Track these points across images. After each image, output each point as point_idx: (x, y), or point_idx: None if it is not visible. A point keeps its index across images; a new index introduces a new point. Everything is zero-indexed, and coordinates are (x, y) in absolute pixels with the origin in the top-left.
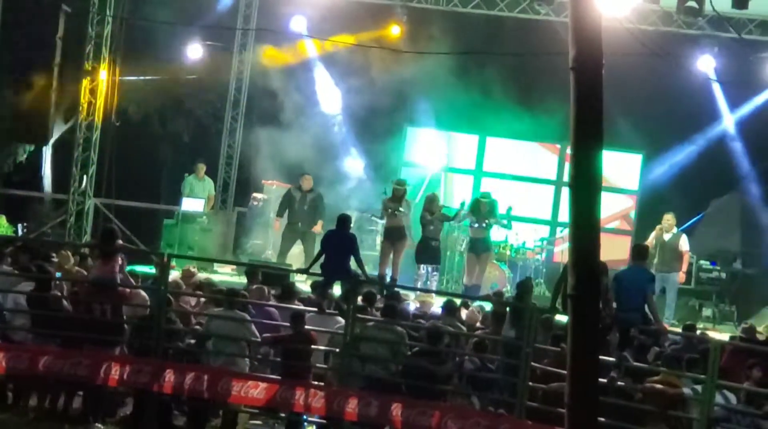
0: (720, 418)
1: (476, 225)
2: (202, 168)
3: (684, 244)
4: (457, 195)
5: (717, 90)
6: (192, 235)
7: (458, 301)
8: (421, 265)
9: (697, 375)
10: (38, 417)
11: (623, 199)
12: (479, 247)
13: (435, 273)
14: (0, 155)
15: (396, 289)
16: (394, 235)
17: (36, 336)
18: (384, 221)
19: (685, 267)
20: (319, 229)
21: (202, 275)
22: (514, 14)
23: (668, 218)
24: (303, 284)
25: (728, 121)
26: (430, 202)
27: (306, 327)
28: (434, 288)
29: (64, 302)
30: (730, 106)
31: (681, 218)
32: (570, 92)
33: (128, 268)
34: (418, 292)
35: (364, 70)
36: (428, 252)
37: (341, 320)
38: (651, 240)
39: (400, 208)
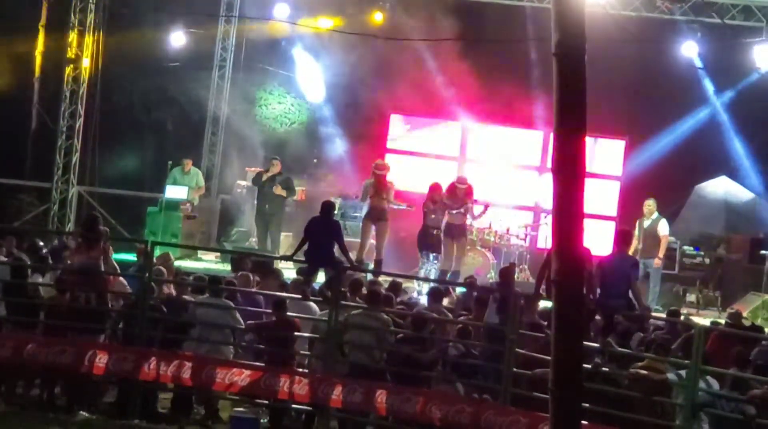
0: (704, 403)
1: (453, 211)
2: (188, 163)
3: (663, 228)
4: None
5: (700, 75)
6: (176, 222)
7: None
8: (423, 253)
9: (682, 360)
10: (24, 405)
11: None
12: (456, 233)
13: (436, 261)
14: None
15: (396, 279)
16: (375, 216)
17: (13, 324)
18: (367, 204)
19: (662, 252)
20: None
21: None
22: (497, 1)
23: (648, 204)
24: (290, 271)
25: (712, 106)
26: (433, 191)
27: (289, 313)
28: (433, 275)
29: (41, 290)
30: (713, 91)
31: (665, 204)
32: (553, 78)
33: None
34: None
35: (347, 57)
36: (429, 240)
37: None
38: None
39: (383, 193)
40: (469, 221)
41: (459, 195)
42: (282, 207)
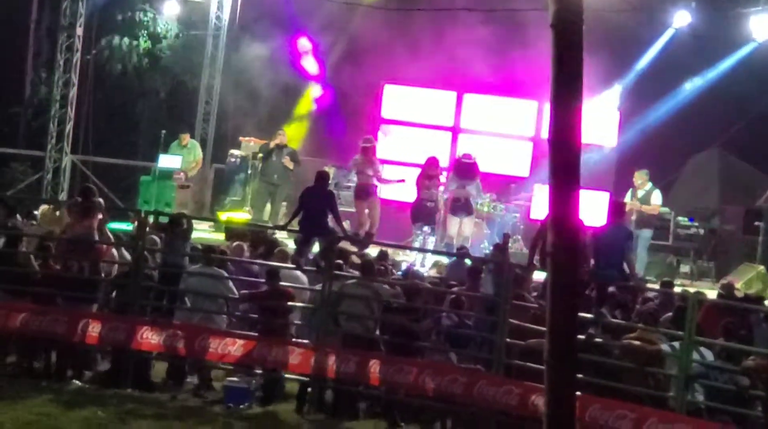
0: (698, 375)
1: (455, 186)
2: (185, 137)
3: (656, 199)
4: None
5: (695, 45)
6: (169, 191)
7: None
8: (416, 225)
9: (675, 332)
10: (16, 373)
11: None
12: (462, 209)
13: (430, 233)
14: None
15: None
16: (362, 194)
17: (7, 293)
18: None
19: (652, 214)
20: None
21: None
22: None
23: (639, 176)
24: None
25: (707, 76)
26: (429, 166)
27: (282, 283)
28: (429, 247)
29: (32, 259)
30: (708, 61)
31: (660, 175)
32: (549, 49)
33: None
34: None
35: (342, 27)
36: (423, 212)
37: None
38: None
39: (368, 170)
40: (476, 199)
41: (466, 171)
42: (288, 179)
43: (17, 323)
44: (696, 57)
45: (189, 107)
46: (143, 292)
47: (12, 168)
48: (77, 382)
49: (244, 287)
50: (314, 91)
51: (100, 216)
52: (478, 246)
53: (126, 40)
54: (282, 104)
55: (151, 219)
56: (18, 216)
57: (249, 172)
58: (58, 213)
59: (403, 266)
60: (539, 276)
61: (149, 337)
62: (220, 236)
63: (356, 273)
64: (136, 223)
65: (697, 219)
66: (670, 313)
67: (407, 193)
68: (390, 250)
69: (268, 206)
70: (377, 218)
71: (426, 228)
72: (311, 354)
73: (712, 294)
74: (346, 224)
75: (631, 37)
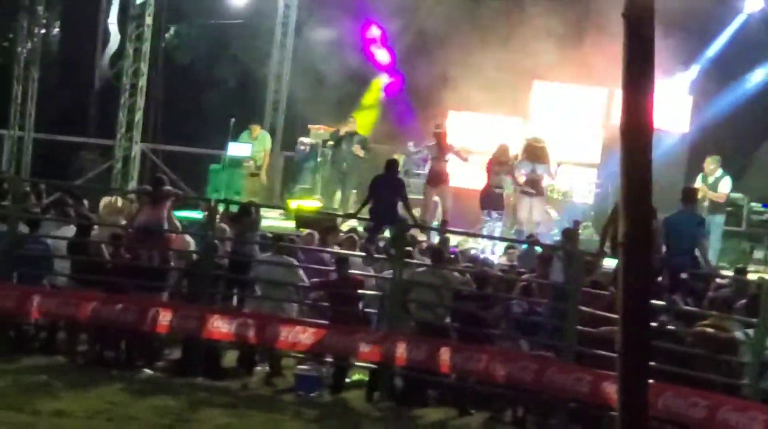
0: None
1: (529, 169)
2: (255, 128)
3: (724, 186)
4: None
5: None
6: (238, 179)
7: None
8: (485, 211)
9: (749, 319)
10: (88, 362)
11: None
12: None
13: (499, 220)
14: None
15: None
16: (435, 179)
17: (77, 283)
18: (428, 167)
19: (715, 198)
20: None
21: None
22: None
23: (710, 162)
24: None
25: None
26: (501, 153)
27: (351, 271)
28: (497, 234)
29: (103, 249)
30: None
31: (732, 160)
32: (620, 35)
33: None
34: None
35: (409, 13)
36: (493, 198)
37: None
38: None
39: (443, 155)
40: (546, 182)
41: (537, 154)
42: (358, 166)
43: (88, 312)
44: None
45: (258, 95)
46: (213, 280)
47: (81, 157)
48: (148, 370)
49: (314, 275)
50: (383, 78)
51: (169, 204)
52: (548, 233)
53: (195, 28)
54: (351, 91)
55: (221, 207)
56: (86, 202)
57: (319, 159)
58: (120, 204)
59: (472, 253)
60: (610, 263)
61: (220, 326)
62: (291, 224)
63: (426, 260)
64: (206, 211)
65: None
66: (744, 300)
67: (476, 180)
68: (459, 238)
69: (339, 194)
70: (449, 205)
71: (495, 214)
72: (381, 342)
73: None
74: (416, 212)
75: (704, 22)
